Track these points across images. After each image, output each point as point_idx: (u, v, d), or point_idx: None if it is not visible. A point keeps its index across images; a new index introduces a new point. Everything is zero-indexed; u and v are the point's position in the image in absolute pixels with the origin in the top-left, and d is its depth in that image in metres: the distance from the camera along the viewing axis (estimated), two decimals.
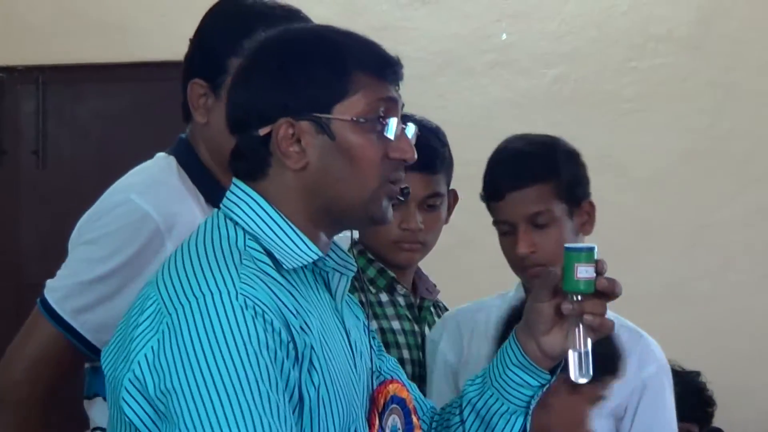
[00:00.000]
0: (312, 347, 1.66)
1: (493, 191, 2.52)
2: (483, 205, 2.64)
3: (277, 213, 1.72)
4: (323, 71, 1.72)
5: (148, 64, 5.25)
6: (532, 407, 1.93)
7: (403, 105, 1.79)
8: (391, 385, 1.87)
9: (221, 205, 1.77)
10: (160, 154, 2.26)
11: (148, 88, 5.22)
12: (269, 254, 1.69)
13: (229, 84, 1.80)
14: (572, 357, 1.85)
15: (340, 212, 1.74)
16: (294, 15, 2.14)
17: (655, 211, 5.11)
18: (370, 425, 1.79)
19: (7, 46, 5.40)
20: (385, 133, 1.73)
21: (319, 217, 1.74)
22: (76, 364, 2.17)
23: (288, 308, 1.64)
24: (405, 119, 1.89)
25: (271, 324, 1.60)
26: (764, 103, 5.12)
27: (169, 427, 1.57)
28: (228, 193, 1.77)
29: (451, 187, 2.68)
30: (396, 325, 2.57)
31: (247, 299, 1.59)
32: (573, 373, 1.85)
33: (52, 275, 2.18)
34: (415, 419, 1.89)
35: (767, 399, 4.99)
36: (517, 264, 2.51)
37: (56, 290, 2.13)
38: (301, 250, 1.71)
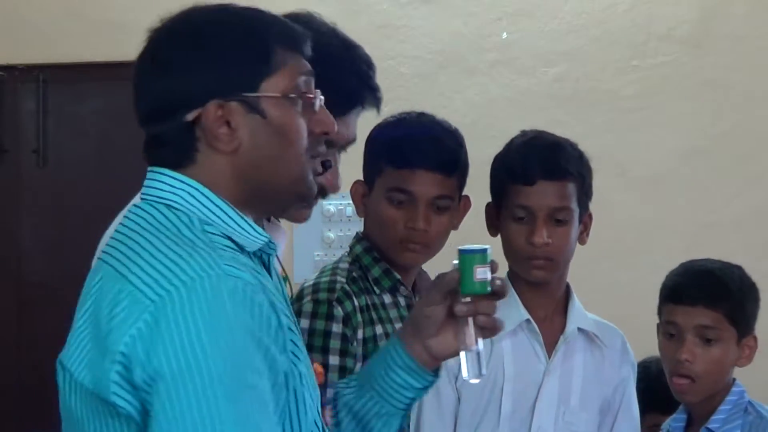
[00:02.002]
0: (290, 328, 1.63)
1: (524, 175, 2.48)
2: (483, 205, 2.63)
3: (219, 198, 1.66)
4: (246, 49, 1.68)
5: None
6: (410, 409, 1.93)
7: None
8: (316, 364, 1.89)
9: (149, 195, 1.69)
10: None
11: None
12: (228, 239, 1.65)
13: (136, 72, 1.75)
14: (464, 357, 1.87)
15: (271, 192, 1.70)
16: None
17: (655, 211, 5.11)
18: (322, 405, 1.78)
19: (8, 44, 5.39)
20: (313, 108, 1.71)
21: (249, 200, 1.69)
22: None
23: (269, 289, 1.61)
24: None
25: (260, 307, 1.55)
26: (764, 102, 5.12)
27: (156, 409, 1.50)
28: (154, 182, 1.69)
29: None
30: (399, 327, 2.55)
31: (237, 281, 1.55)
32: (465, 373, 1.87)
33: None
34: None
35: (767, 397, 4.98)
36: (525, 253, 2.47)
37: None
38: (251, 234, 1.67)
